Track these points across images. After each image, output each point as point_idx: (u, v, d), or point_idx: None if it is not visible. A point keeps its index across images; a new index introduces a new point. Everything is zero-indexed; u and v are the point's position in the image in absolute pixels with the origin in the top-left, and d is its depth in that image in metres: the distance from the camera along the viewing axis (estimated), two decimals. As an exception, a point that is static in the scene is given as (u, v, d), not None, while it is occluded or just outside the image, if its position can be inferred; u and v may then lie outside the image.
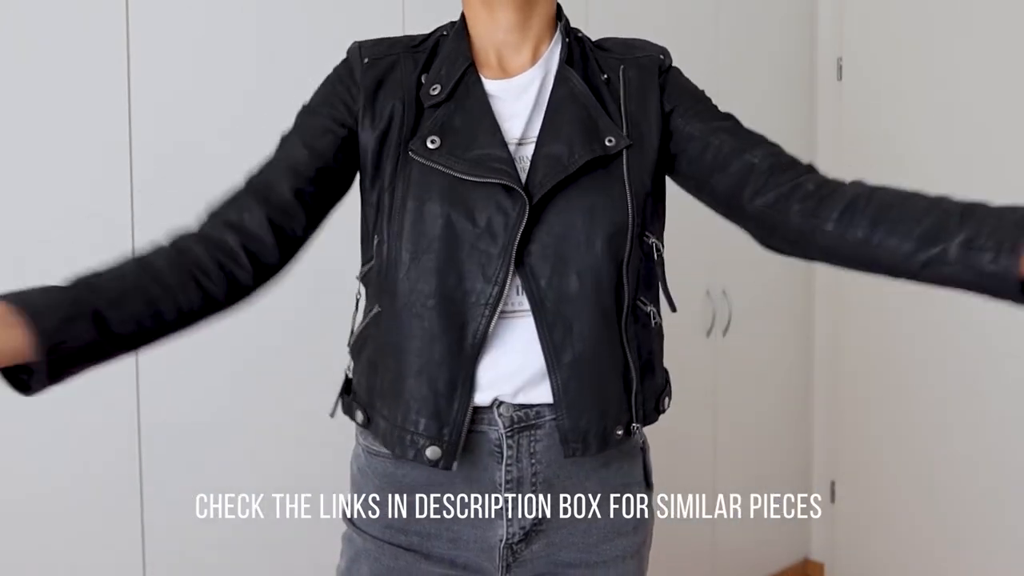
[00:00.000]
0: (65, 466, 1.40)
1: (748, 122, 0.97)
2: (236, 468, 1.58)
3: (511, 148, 0.91)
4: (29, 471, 1.37)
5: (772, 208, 0.89)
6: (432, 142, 0.90)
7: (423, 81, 0.94)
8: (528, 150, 0.92)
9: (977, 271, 0.74)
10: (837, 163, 2.64)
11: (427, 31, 1.01)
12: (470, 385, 0.90)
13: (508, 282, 0.88)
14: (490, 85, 0.95)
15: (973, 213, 0.76)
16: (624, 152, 0.92)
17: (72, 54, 1.40)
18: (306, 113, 0.96)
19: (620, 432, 0.93)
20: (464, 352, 0.89)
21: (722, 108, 0.99)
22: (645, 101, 0.96)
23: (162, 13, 1.48)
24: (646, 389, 0.96)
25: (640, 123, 0.95)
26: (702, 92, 1.01)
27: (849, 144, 2.62)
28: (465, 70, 0.94)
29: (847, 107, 2.62)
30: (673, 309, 0.99)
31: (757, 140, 0.94)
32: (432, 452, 0.89)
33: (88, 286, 0.76)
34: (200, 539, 1.54)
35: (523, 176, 0.90)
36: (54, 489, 1.39)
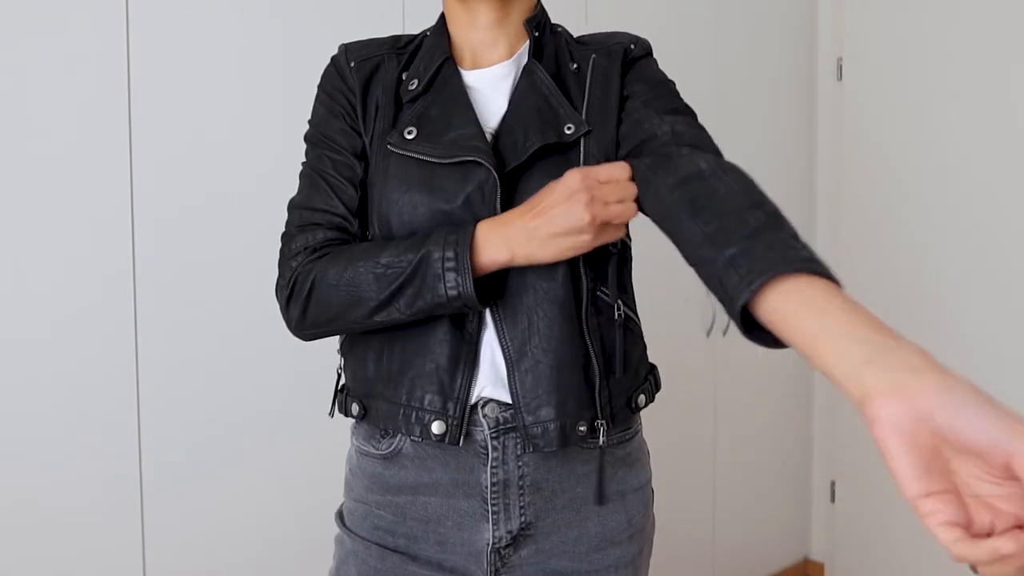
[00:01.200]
0: (65, 466, 1.40)
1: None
2: (237, 468, 1.58)
3: (487, 135, 0.91)
4: (29, 471, 1.37)
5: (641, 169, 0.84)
6: (409, 133, 0.91)
7: (403, 78, 0.95)
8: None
9: (723, 288, 0.70)
10: (837, 163, 2.65)
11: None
12: (473, 361, 0.90)
13: None
14: (468, 76, 0.95)
15: (757, 235, 0.71)
16: (582, 140, 0.91)
17: (73, 54, 1.40)
18: (326, 128, 0.96)
19: (583, 429, 0.90)
20: (466, 330, 0.90)
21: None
22: (608, 86, 0.94)
23: (162, 13, 1.48)
24: (613, 385, 0.93)
25: (602, 108, 0.93)
26: (664, 83, 0.97)
27: (849, 144, 2.62)
28: (442, 63, 0.94)
29: (847, 107, 2.62)
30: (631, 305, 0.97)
31: (674, 120, 0.90)
32: (438, 427, 0.89)
33: None
34: (200, 539, 1.54)
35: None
36: (55, 489, 1.39)
